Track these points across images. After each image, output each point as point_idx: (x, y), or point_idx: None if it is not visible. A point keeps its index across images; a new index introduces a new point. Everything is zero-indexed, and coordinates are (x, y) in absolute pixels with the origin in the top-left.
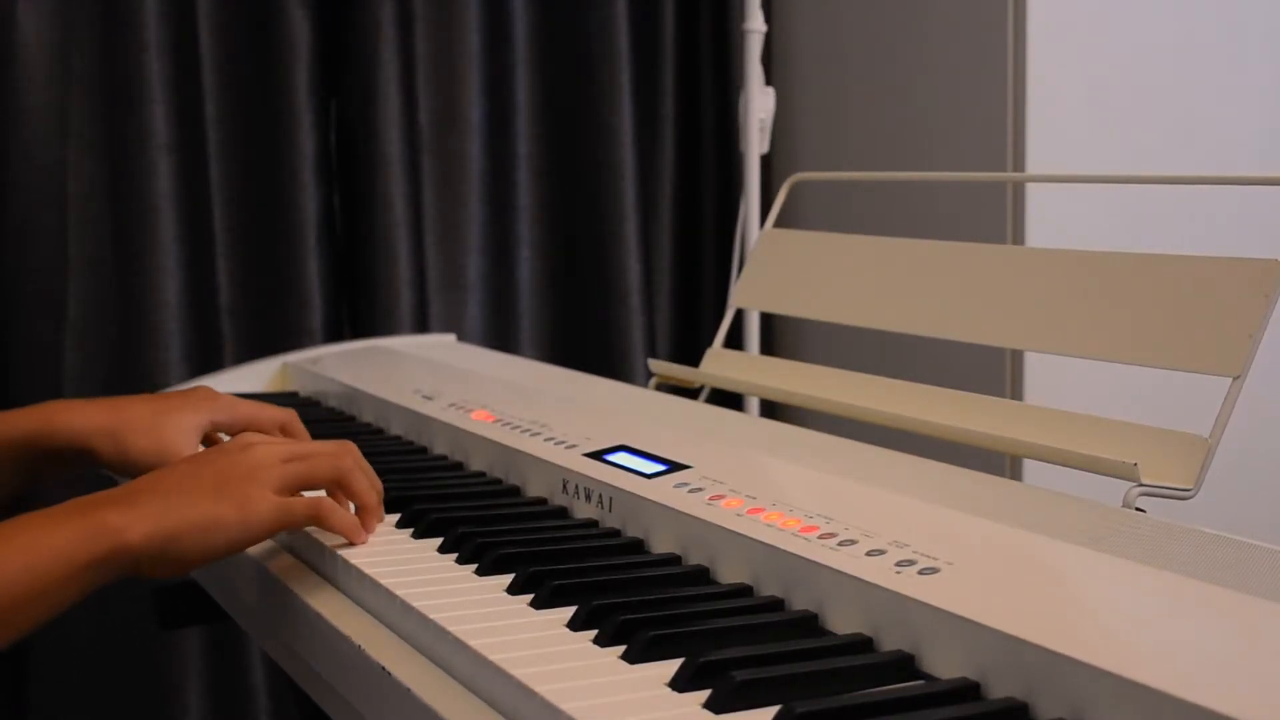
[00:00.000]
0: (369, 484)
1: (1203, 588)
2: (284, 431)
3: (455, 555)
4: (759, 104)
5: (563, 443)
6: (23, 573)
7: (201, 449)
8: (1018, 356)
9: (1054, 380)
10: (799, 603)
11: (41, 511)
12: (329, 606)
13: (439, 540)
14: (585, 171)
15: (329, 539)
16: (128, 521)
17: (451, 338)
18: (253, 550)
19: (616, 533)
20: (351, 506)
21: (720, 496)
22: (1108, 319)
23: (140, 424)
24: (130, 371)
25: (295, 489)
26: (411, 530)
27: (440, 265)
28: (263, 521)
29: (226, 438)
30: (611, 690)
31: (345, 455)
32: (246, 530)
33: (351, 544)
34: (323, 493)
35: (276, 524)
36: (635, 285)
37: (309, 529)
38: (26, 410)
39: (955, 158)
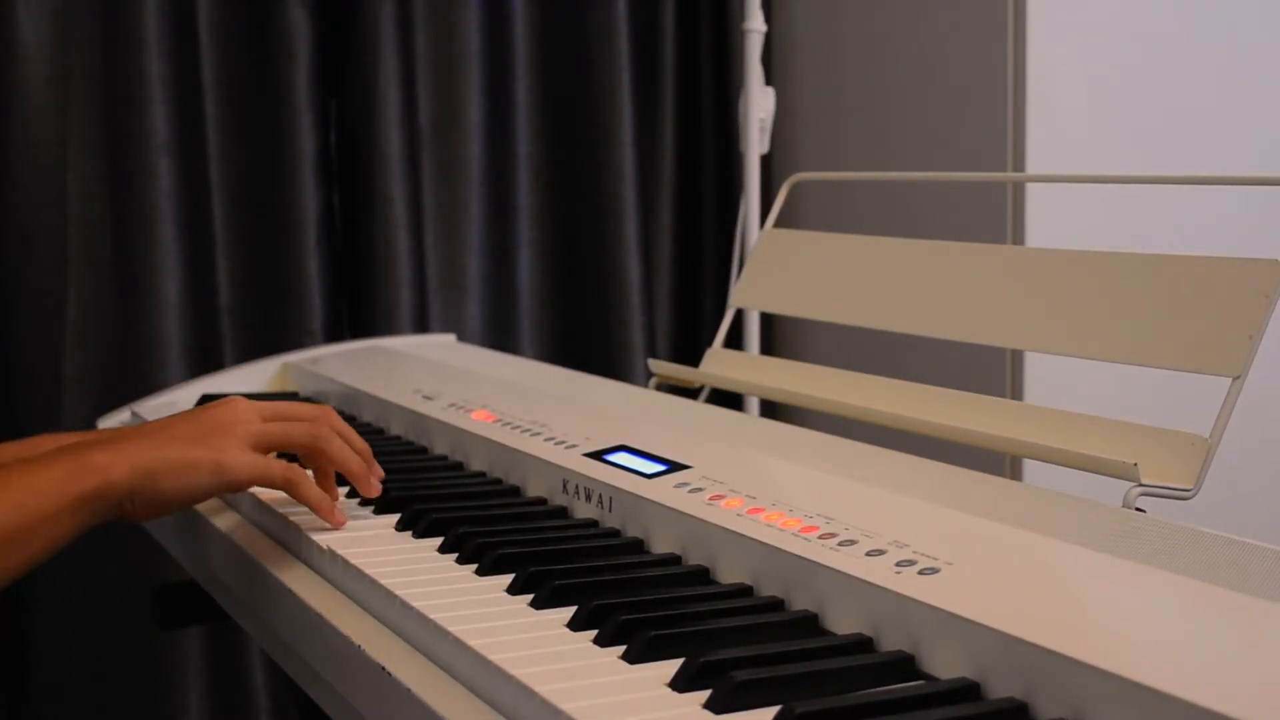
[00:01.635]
0: (350, 451)
1: (1203, 588)
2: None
3: (455, 555)
4: (759, 104)
5: (563, 443)
6: (15, 510)
7: None
8: (1018, 356)
9: (1054, 380)
10: (799, 603)
11: (31, 457)
12: (329, 606)
13: (439, 540)
14: (585, 171)
15: (328, 538)
16: (110, 460)
17: (451, 338)
18: (252, 549)
19: (616, 533)
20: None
21: (720, 496)
22: (1108, 319)
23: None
24: (130, 371)
25: (270, 449)
26: (411, 530)
27: (440, 265)
28: (238, 471)
29: None
30: (611, 690)
31: (323, 423)
32: (221, 476)
33: (326, 523)
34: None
35: (252, 478)
36: (635, 285)
37: (307, 530)
38: (20, 442)
39: (955, 158)
